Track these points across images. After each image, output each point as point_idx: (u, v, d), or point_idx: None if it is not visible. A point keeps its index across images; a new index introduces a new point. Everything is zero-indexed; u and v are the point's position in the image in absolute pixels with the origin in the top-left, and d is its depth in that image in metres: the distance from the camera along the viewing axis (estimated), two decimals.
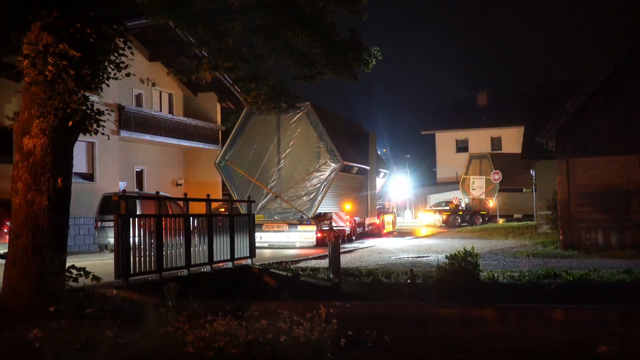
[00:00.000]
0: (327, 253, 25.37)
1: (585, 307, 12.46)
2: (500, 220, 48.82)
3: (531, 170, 42.20)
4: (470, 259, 15.87)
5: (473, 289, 15.27)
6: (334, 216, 31.74)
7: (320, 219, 30.54)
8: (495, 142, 74.89)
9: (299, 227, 29.66)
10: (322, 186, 29.86)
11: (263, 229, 29.53)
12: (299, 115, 29.81)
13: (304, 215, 29.84)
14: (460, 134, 77.07)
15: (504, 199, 51.98)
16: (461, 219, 51.36)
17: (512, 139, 64.13)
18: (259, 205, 29.80)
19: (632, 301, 14.51)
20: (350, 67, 16.10)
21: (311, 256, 24.35)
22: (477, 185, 52.42)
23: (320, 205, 30.03)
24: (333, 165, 29.84)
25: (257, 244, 26.59)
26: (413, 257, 24.10)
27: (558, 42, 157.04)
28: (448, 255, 16.41)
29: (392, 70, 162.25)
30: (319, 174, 29.94)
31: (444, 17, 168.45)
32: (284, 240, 29.69)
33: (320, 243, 28.57)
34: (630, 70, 24.60)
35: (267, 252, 26.88)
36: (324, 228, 29.70)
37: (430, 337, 10.93)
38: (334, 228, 29.95)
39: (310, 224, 29.58)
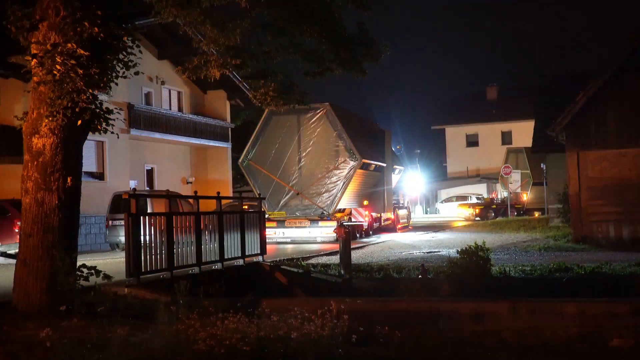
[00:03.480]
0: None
1: (597, 300, 12.41)
2: (536, 214, 48.95)
3: (542, 164, 42.11)
4: (482, 254, 15.84)
5: (484, 283, 15.25)
6: (353, 212, 32.86)
7: (340, 214, 31.32)
8: (506, 136, 74.80)
9: (320, 223, 30.38)
10: (342, 183, 30.60)
11: (285, 225, 30.67)
12: (318, 115, 30.66)
13: (324, 212, 30.55)
14: (470, 129, 77.00)
15: (539, 192, 52.14)
16: (495, 212, 51.69)
17: (522, 133, 63.98)
18: (281, 203, 30.92)
19: None
20: (358, 62, 16.07)
21: (322, 252, 24.37)
22: (514, 179, 52.78)
23: (339, 202, 30.79)
24: (352, 163, 30.58)
25: (280, 240, 29.28)
26: (424, 252, 24.08)
27: (568, 34, 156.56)
28: (459, 250, 16.37)
29: (401, 65, 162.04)
30: (338, 171, 30.67)
31: (452, 11, 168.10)
32: (306, 236, 30.44)
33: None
34: (639, 62, 24.47)
35: (290, 247, 27.85)
36: (343, 223, 30.13)
37: (442, 333, 10.91)
38: (354, 223, 31.72)
39: (330, 220, 30.21)
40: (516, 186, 52.75)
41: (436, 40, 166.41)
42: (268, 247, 27.36)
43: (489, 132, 75.52)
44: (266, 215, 29.26)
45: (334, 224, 29.94)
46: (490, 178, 70.93)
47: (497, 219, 48.96)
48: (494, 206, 52.89)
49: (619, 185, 24.73)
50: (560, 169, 30.61)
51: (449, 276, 16.24)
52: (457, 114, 77.44)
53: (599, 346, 9.88)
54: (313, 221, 30.53)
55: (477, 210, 52.88)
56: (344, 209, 32.30)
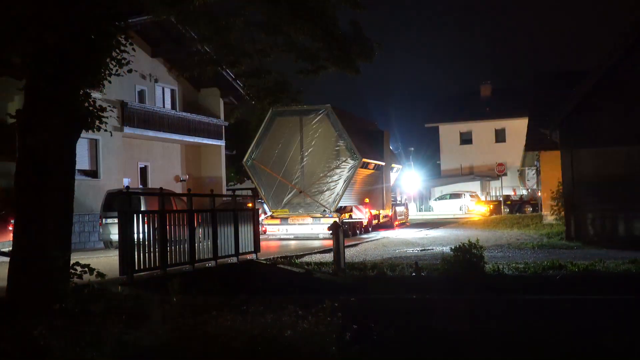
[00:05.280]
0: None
1: (591, 297, 12.45)
2: None
3: (535, 162, 42.17)
4: (475, 251, 15.83)
5: (478, 281, 15.25)
6: (354, 209, 33.88)
7: (341, 211, 32.37)
8: (500, 134, 74.93)
9: (322, 220, 31.23)
10: (343, 182, 31.63)
11: (289, 222, 31.88)
12: (320, 116, 31.74)
13: (326, 209, 31.52)
14: (464, 126, 77.03)
15: None
16: (510, 208, 52.79)
17: (516, 131, 64.11)
18: (284, 200, 32.01)
19: (637, 291, 14.49)
20: (352, 61, 16.07)
21: (316, 250, 24.42)
22: (531, 176, 53.53)
23: (341, 199, 31.77)
24: (352, 162, 31.60)
25: (283, 236, 30.90)
26: (418, 250, 24.10)
27: (562, 31, 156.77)
28: (453, 247, 16.38)
29: (395, 63, 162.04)
30: (339, 170, 31.69)
31: (446, 9, 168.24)
32: (308, 232, 31.54)
33: None
34: (633, 60, 24.48)
35: (293, 243, 28.89)
36: (345, 220, 31.88)
37: (436, 330, 10.92)
38: (354, 220, 33.25)
39: (332, 217, 30.79)
40: (533, 182, 53.40)
41: (430, 38, 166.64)
42: (272, 243, 28.78)
43: (483, 129, 75.60)
44: (270, 213, 31.63)
45: (336, 220, 30.47)
46: (484, 175, 71.07)
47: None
48: (509, 202, 54.11)
49: (613, 183, 24.73)
50: (554, 166, 30.66)
51: (443, 274, 16.24)
52: (451, 112, 77.44)
53: (594, 344, 9.90)
54: (315, 218, 31.53)
55: (492, 207, 54.56)
56: (345, 207, 33.21)
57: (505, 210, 52.95)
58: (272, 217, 31.96)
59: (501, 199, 56.79)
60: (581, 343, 9.93)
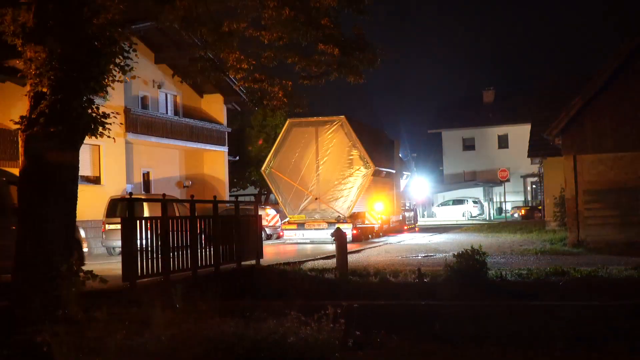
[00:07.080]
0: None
1: (594, 303, 12.43)
2: None
3: (539, 168, 42.17)
4: (478, 257, 15.83)
5: (481, 287, 15.24)
6: (366, 215, 35.34)
7: (355, 217, 33.67)
8: (502, 140, 74.86)
9: (337, 225, 31.30)
10: (356, 189, 32.87)
11: (305, 227, 33.30)
12: (334, 127, 33.12)
13: (340, 215, 32.72)
14: (467, 132, 76.94)
15: None
16: (542, 213, 54.88)
17: (519, 136, 64.04)
18: (301, 207, 33.42)
19: None
20: (355, 67, 16.06)
21: (319, 257, 24.41)
22: None
23: (354, 206, 33.06)
24: (365, 170, 32.83)
25: (300, 240, 32.57)
26: (422, 256, 24.08)
27: (565, 37, 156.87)
28: (456, 253, 16.36)
29: (397, 69, 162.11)
30: (353, 178, 32.94)
31: (448, 14, 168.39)
32: (324, 237, 32.21)
33: (355, 239, 32.48)
34: (636, 65, 24.48)
35: (309, 247, 30.41)
36: (358, 225, 33.47)
37: (439, 336, 10.91)
38: (367, 225, 34.86)
39: (346, 222, 32.21)
40: None
41: (433, 43, 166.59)
42: (289, 247, 30.21)
43: (486, 135, 75.56)
44: (287, 219, 33.46)
45: (350, 226, 32.38)
46: (487, 181, 71.03)
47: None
48: (540, 207, 56.00)
49: (616, 189, 24.71)
50: (557, 172, 30.66)
51: (446, 280, 16.23)
52: (453, 118, 77.29)
53: (596, 349, 9.89)
54: (330, 223, 32.43)
55: (524, 212, 57.30)
56: (358, 212, 34.39)
57: (538, 215, 54.95)
58: (289, 222, 33.42)
59: (533, 204, 58.47)
60: (585, 348, 9.93)
